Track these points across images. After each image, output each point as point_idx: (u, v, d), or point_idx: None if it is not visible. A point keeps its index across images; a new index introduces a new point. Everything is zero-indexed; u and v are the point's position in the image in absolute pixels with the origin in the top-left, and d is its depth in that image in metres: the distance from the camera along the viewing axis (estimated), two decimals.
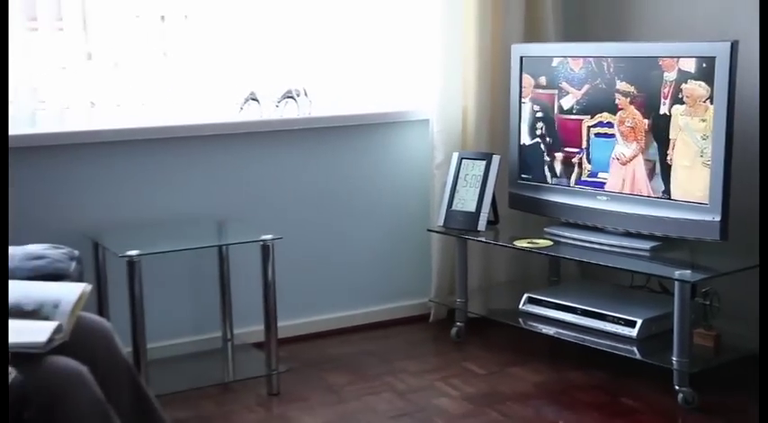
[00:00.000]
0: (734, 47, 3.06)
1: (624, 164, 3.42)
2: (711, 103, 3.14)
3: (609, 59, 3.44)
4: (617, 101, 3.42)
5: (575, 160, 3.58)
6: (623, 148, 3.41)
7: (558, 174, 3.65)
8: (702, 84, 3.17)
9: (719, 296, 3.28)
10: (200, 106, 3.72)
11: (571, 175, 3.61)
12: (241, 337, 3.67)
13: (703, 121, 3.18)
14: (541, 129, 3.68)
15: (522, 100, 3.71)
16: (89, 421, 2.07)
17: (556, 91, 3.60)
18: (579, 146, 3.56)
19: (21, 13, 3.38)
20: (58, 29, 3.48)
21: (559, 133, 3.62)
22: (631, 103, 3.37)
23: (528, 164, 3.73)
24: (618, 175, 3.45)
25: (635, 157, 3.39)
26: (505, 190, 3.79)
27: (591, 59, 3.49)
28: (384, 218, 3.99)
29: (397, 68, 4.00)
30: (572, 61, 3.56)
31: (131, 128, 3.56)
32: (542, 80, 3.65)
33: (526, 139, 3.72)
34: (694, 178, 3.21)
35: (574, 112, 3.57)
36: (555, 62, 3.61)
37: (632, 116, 3.37)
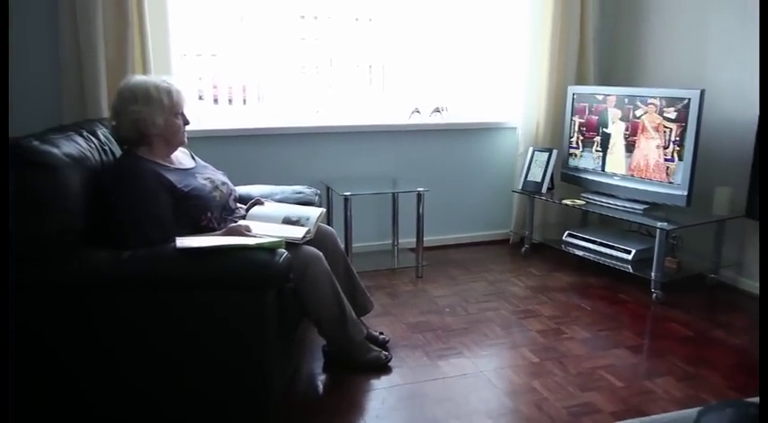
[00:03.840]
0: (702, 93, 2.92)
1: (631, 157, 3.28)
2: (668, 121, 2.98)
3: (625, 97, 3.29)
4: (631, 118, 3.27)
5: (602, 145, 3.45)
6: (630, 148, 3.27)
7: (592, 161, 3.50)
8: (669, 110, 3.02)
9: (682, 239, 3.19)
10: (387, 114, 3.70)
11: (598, 162, 3.46)
12: (402, 244, 3.66)
13: (660, 131, 3.04)
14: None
15: (573, 118, 3.57)
16: (322, 282, 2.13)
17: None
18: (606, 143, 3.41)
19: (294, 60, 3.43)
20: (315, 73, 3.53)
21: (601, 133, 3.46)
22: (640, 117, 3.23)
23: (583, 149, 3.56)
24: (626, 163, 3.30)
25: (637, 153, 3.24)
26: (559, 170, 3.67)
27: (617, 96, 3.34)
28: (487, 182, 3.91)
29: (499, 95, 3.89)
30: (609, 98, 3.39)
31: (351, 125, 3.53)
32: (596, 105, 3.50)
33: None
34: (672, 169, 3.06)
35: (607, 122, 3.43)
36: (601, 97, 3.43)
37: (645, 127, 3.22)
